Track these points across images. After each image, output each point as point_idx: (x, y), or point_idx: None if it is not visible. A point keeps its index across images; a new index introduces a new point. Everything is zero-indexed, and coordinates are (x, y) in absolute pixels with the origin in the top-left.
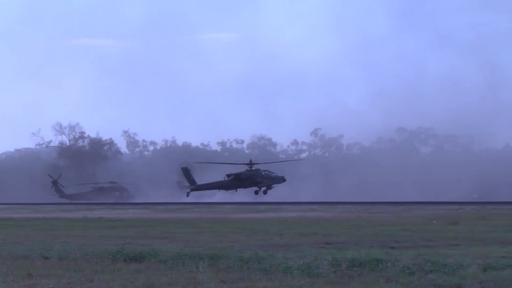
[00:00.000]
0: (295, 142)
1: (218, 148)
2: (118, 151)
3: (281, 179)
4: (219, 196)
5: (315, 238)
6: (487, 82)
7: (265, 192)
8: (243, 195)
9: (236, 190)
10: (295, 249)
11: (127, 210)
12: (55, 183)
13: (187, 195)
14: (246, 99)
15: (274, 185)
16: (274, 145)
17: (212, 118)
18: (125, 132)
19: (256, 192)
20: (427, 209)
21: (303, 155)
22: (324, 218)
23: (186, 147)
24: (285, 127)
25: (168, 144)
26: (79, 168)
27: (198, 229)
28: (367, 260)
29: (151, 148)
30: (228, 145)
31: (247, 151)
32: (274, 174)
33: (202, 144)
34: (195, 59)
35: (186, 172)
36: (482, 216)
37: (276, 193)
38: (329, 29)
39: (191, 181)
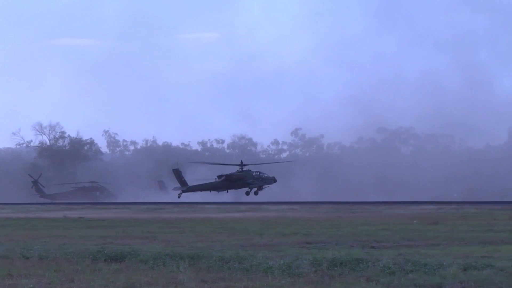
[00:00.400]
0: (275, 142)
1: (199, 148)
2: (98, 151)
3: (272, 180)
4: (199, 196)
5: (295, 238)
6: (466, 82)
7: (256, 193)
8: (225, 195)
9: (227, 191)
10: (276, 249)
11: (108, 210)
12: (35, 182)
13: (179, 197)
14: (227, 99)
15: (265, 186)
16: (255, 144)
17: (192, 118)
18: (106, 132)
19: (247, 193)
20: (408, 209)
21: (284, 155)
22: (305, 217)
23: (167, 147)
24: (265, 126)
25: (148, 144)
26: (60, 168)
27: (179, 229)
28: (347, 260)
29: (132, 148)
30: (208, 145)
31: (227, 151)
32: (265, 175)
33: (182, 143)
34: (175, 58)
35: (177, 174)
36: (462, 216)
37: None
38: (308, 28)
39: (183, 182)
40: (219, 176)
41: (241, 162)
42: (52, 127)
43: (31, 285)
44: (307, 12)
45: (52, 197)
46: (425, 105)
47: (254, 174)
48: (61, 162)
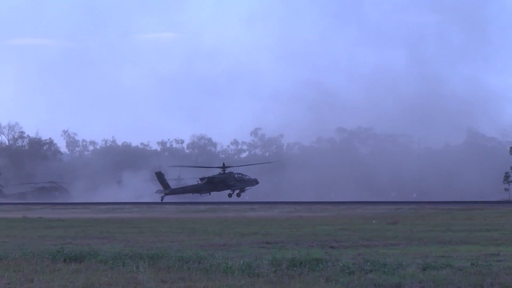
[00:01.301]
0: (235, 142)
1: (158, 148)
2: (57, 151)
3: (254, 182)
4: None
5: (255, 237)
6: (422, 81)
7: (238, 195)
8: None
9: (209, 193)
10: (235, 249)
11: (67, 210)
12: None
13: (162, 200)
14: (186, 98)
15: (247, 188)
16: (214, 144)
17: (150, 117)
18: (65, 132)
19: (230, 195)
20: (367, 209)
21: (244, 155)
22: (264, 217)
23: (126, 147)
24: (225, 126)
25: (108, 144)
26: (19, 168)
27: (138, 229)
28: (307, 260)
29: (91, 148)
30: (168, 145)
31: (187, 151)
32: (247, 177)
33: (142, 144)
34: (132, 58)
35: (160, 177)
36: (421, 216)
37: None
38: (262, 26)
39: (165, 185)
40: (201, 179)
41: (223, 164)
42: (11, 127)
43: None
44: (260, 10)
45: (11, 197)
46: (383, 105)
47: (236, 176)
48: (20, 162)
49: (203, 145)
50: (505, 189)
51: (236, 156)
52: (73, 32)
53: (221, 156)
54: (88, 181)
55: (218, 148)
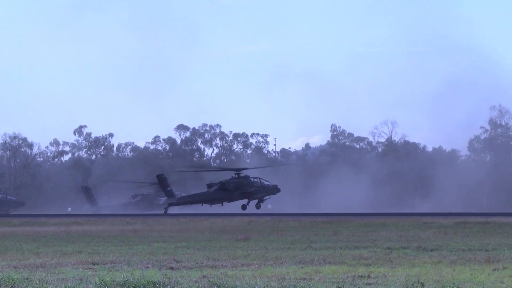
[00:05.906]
0: (55, 142)
1: None
2: None
3: (275, 189)
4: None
5: (79, 257)
6: None
7: (257, 206)
8: None
9: (222, 204)
10: (55, 271)
11: None
12: None
13: (165, 212)
14: None
15: (266, 197)
16: (31, 145)
17: None
18: None
19: (244, 207)
20: (214, 222)
21: (66, 158)
22: (91, 232)
23: None
24: (43, 124)
25: None
26: None
27: None
28: (142, 283)
29: None
30: None
31: None
32: (267, 183)
33: None
34: None
35: (162, 181)
36: (278, 230)
37: None
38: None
39: (169, 192)
40: (209, 185)
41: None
42: None
43: None
44: None
45: None
46: None
47: (254, 181)
48: None
49: (16, 146)
50: None
51: (56, 160)
52: None
53: (38, 159)
54: None
55: (35, 150)
